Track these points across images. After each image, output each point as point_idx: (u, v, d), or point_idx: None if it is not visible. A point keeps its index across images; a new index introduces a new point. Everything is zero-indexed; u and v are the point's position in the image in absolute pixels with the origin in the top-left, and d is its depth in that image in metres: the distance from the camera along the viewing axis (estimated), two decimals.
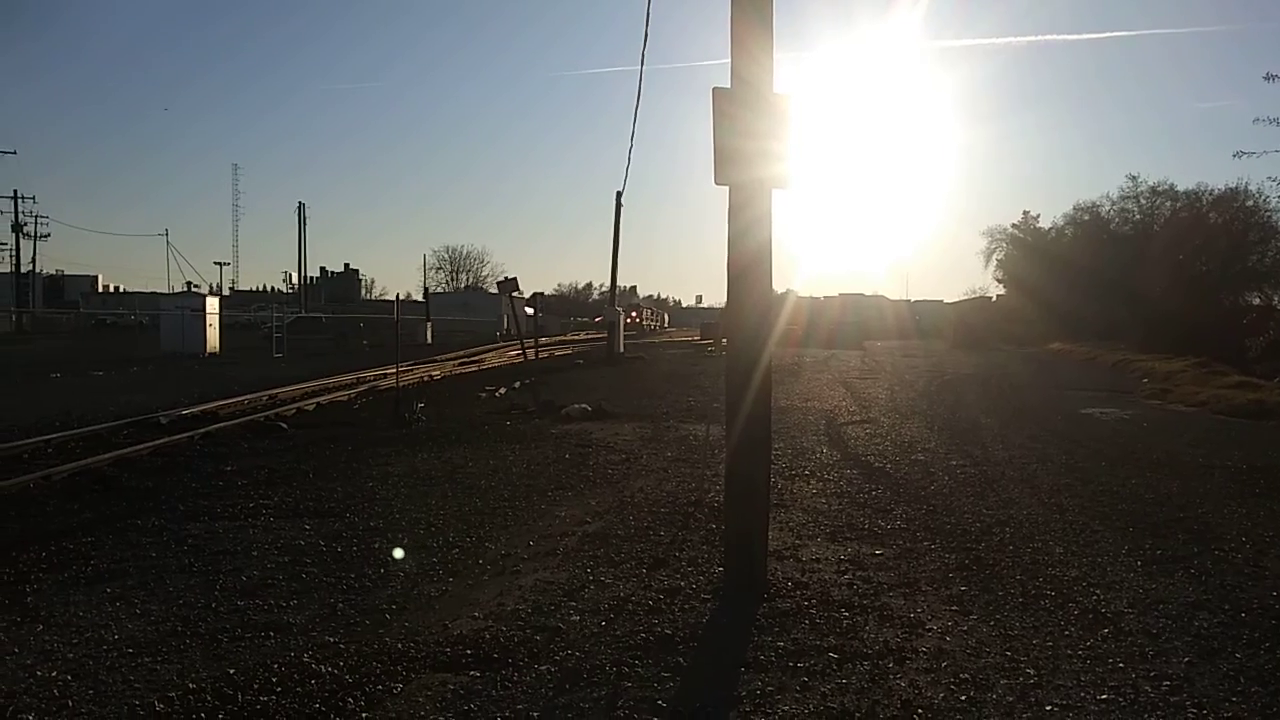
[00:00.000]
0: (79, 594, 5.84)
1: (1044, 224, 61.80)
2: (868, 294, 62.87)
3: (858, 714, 4.10)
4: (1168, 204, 52.18)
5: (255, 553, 6.82)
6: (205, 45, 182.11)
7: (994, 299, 63.76)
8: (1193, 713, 4.13)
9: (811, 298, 54.77)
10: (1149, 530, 7.59)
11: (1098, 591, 5.93)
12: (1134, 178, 55.50)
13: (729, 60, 6.12)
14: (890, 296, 67.79)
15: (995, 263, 62.40)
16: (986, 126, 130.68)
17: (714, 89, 5.98)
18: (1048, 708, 4.17)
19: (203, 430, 12.99)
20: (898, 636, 5.10)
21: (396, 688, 4.39)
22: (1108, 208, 55.28)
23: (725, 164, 5.95)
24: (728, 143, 5.91)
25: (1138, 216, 53.72)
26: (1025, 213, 63.50)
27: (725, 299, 6.36)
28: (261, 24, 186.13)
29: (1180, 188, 51.72)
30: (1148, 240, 49.06)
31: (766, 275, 6.12)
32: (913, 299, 73.80)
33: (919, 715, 4.10)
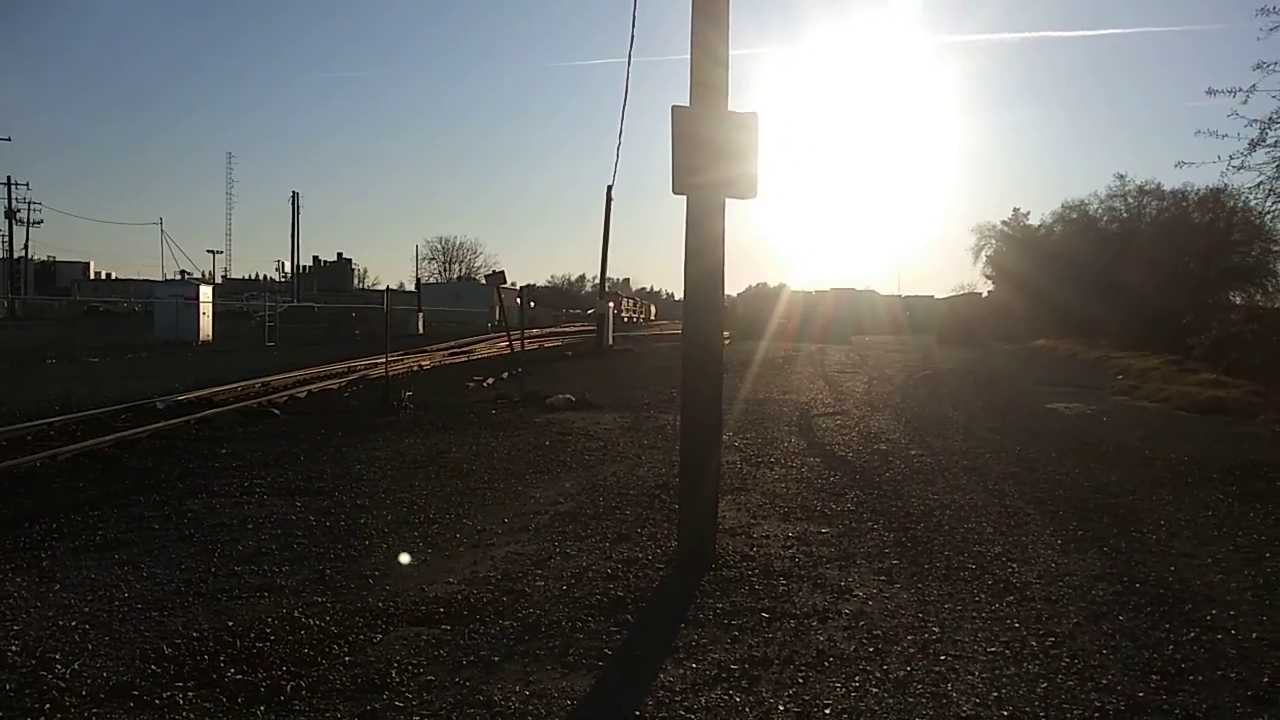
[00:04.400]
0: (89, 560, 6.43)
1: (1033, 221, 62.44)
2: (860, 289, 63.53)
3: (776, 661, 4.71)
4: (1154, 203, 52.87)
5: (250, 526, 7.41)
6: (201, 35, 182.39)
7: (984, 295, 64.39)
8: (1065, 661, 4.76)
9: (805, 293, 55.48)
10: (1076, 514, 8.22)
11: (1014, 565, 6.56)
12: (1121, 176, 56.31)
13: (688, 77, 6.72)
14: (882, 292, 68.52)
15: (984, 259, 63.08)
16: (979, 122, 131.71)
17: (673, 107, 6.56)
18: (942, 657, 4.79)
19: (198, 415, 13.57)
20: (825, 601, 5.72)
21: (376, 638, 4.99)
22: (1096, 206, 55.96)
23: (681, 176, 6.53)
24: (684, 159, 6.49)
25: (1124, 215, 54.37)
26: (1015, 209, 64.01)
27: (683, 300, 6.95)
28: (257, 16, 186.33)
29: (1167, 187, 52.34)
30: (1133, 238, 49.69)
31: (718, 280, 6.73)
32: (905, 294, 74.49)
33: (830, 662, 4.71)
